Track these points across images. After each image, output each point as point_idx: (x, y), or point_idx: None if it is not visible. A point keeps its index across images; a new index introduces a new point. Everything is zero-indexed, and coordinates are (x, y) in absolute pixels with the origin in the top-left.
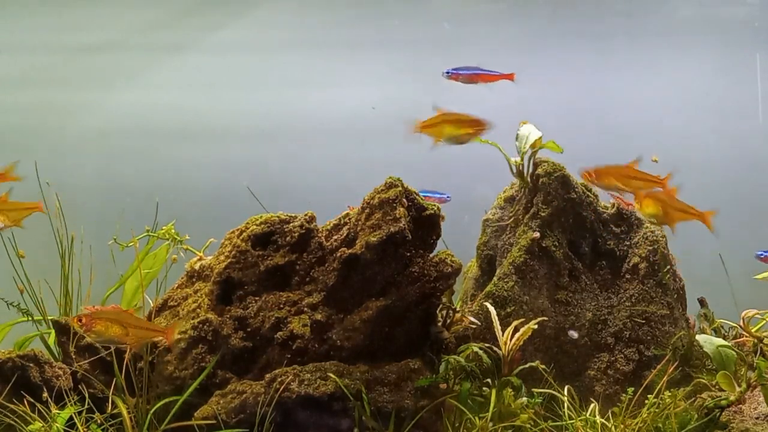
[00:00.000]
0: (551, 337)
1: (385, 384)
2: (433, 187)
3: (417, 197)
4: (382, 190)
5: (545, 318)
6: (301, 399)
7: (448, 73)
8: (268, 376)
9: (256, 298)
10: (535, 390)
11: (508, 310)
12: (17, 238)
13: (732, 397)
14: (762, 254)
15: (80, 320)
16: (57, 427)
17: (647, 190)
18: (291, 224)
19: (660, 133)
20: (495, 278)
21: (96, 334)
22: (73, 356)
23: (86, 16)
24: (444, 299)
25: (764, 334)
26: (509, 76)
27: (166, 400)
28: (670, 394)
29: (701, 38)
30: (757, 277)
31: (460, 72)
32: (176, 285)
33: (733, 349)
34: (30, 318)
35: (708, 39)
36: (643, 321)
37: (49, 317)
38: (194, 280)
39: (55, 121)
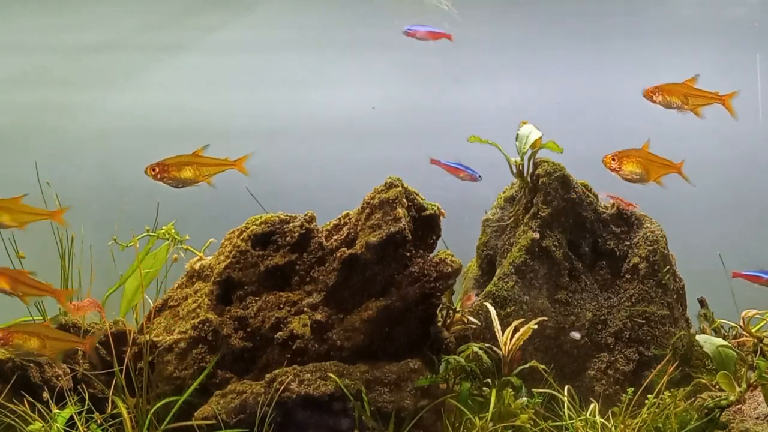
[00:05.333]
0: (551, 337)
1: (385, 384)
2: (434, 187)
3: (417, 197)
4: (382, 190)
5: (545, 318)
6: (301, 399)
7: (407, 30)
8: (268, 376)
9: (256, 298)
10: (535, 390)
11: (508, 310)
12: (17, 239)
13: (732, 397)
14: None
15: None
16: (57, 427)
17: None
18: (291, 224)
19: (660, 133)
20: (495, 278)
21: (14, 347)
22: (79, 359)
23: (86, 16)
24: (444, 299)
25: (764, 334)
26: (448, 36)
27: (166, 400)
28: (670, 394)
29: (701, 38)
30: None
31: (417, 29)
32: (176, 285)
33: (733, 349)
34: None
35: (708, 39)
36: (643, 321)
37: (49, 317)
38: (194, 280)
39: (55, 121)
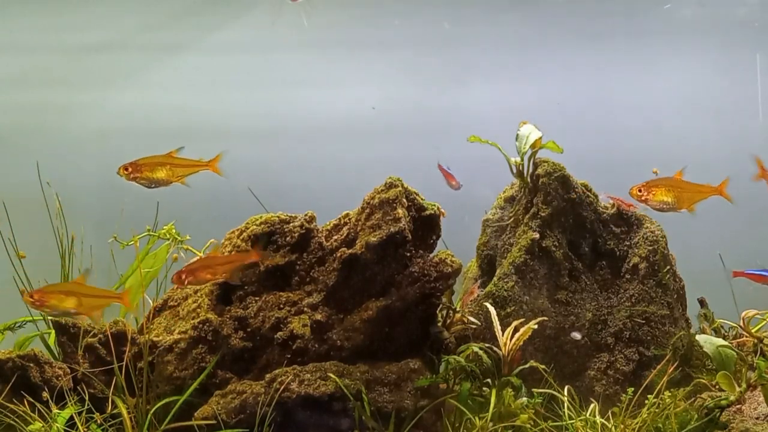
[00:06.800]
0: (551, 337)
1: (385, 384)
2: (434, 187)
3: (417, 197)
4: (382, 190)
5: (545, 318)
6: (301, 399)
7: None
8: (268, 376)
9: (256, 298)
10: (535, 390)
11: (508, 310)
12: (17, 238)
13: (732, 397)
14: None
15: (32, 296)
16: (57, 427)
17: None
18: (291, 224)
19: (660, 133)
20: (495, 278)
21: (50, 308)
22: (80, 358)
23: (86, 16)
24: (444, 299)
25: (764, 334)
26: None
27: (166, 400)
28: (670, 394)
29: (701, 38)
30: None
31: None
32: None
33: (733, 349)
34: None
35: (708, 39)
36: (643, 321)
37: (49, 317)
38: None
39: (55, 121)
